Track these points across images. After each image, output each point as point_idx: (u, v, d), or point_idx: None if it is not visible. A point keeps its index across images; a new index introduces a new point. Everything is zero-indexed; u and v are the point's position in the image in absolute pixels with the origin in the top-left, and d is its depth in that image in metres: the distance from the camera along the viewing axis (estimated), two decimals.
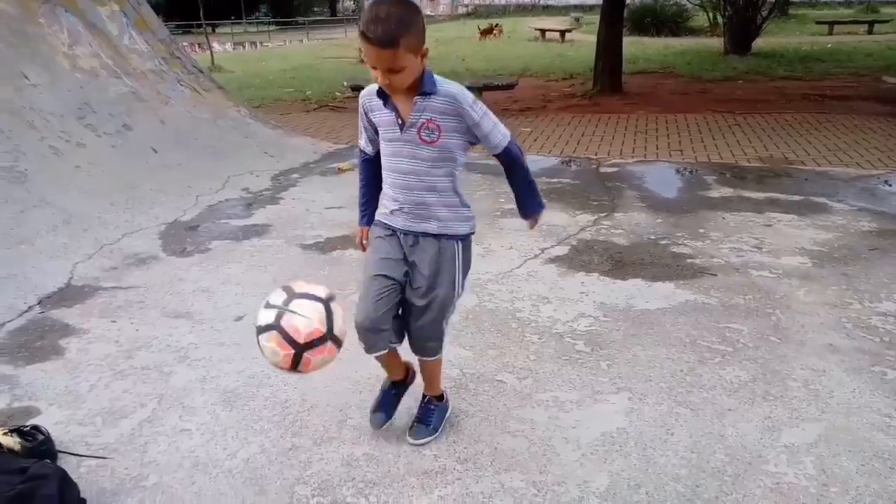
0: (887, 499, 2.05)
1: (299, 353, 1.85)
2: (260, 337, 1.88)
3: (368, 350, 2.17)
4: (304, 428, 2.46)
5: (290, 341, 1.84)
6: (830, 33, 18.98)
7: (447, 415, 2.45)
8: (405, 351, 2.32)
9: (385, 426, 2.39)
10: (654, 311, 3.28)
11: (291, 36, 31.31)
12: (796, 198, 5.03)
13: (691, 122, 8.25)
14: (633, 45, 15.30)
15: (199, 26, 21.92)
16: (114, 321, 3.32)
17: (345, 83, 11.52)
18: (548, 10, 36.40)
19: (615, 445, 2.32)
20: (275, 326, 1.84)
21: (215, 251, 4.24)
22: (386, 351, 2.20)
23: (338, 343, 1.92)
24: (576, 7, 34.24)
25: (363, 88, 2.14)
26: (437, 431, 2.38)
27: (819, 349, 2.90)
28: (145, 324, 3.29)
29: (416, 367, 2.45)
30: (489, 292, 3.53)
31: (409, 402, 2.50)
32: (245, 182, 5.70)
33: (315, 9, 46.34)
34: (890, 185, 5.33)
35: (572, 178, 5.82)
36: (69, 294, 3.62)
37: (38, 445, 2.23)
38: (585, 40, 17.42)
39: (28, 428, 2.29)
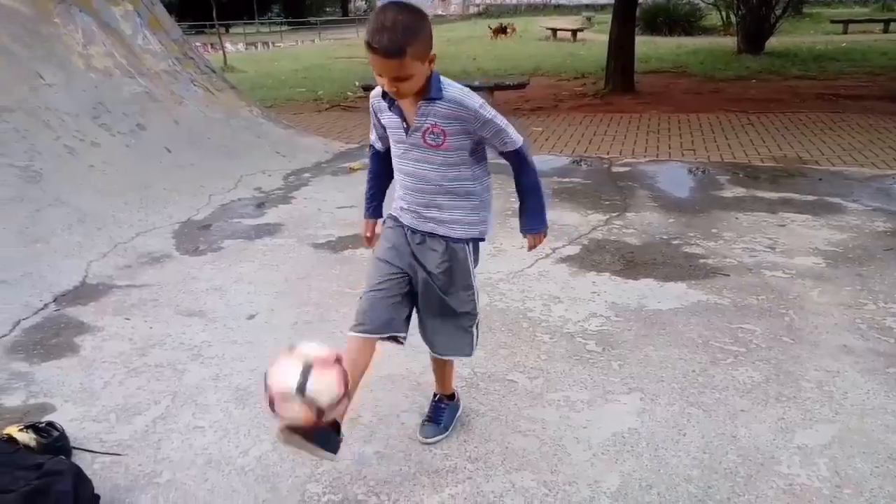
0: None
1: (271, 404, 1.79)
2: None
3: (362, 329, 2.03)
4: None
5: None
6: (845, 32, 18.82)
7: (458, 414, 2.45)
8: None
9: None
10: (666, 312, 3.27)
11: (303, 36, 31.42)
12: (810, 198, 5.00)
13: (704, 121, 8.21)
14: (646, 45, 15.24)
15: (212, 26, 22.04)
16: (128, 319, 3.35)
17: (356, 83, 11.54)
18: (559, 9, 36.34)
19: (626, 446, 2.31)
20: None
21: (228, 250, 4.26)
22: (376, 336, 2.05)
23: (309, 401, 1.74)
24: (588, 6, 34.16)
25: (375, 88, 2.10)
26: (447, 430, 2.38)
27: (833, 350, 2.88)
28: (159, 322, 3.31)
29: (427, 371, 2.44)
30: (500, 292, 3.53)
31: (422, 402, 2.51)
32: (257, 181, 5.73)
33: (327, 9, 46.46)
34: None
35: (584, 177, 5.81)
36: (84, 292, 3.65)
37: (53, 442, 2.25)
38: (597, 39, 17.37)
39: (43, 424, 2.32)
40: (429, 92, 1.92)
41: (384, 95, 1.98)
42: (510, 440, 2.36)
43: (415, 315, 2.21)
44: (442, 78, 1.95)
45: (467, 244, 2.14)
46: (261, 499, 2.12)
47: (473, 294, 2.20)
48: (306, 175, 6.03)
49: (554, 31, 21.42)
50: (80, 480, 2.03)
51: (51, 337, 3.18)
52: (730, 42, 15.62)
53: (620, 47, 10.49)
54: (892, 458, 2.21)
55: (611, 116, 8.75)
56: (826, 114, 8.32)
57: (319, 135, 7.73)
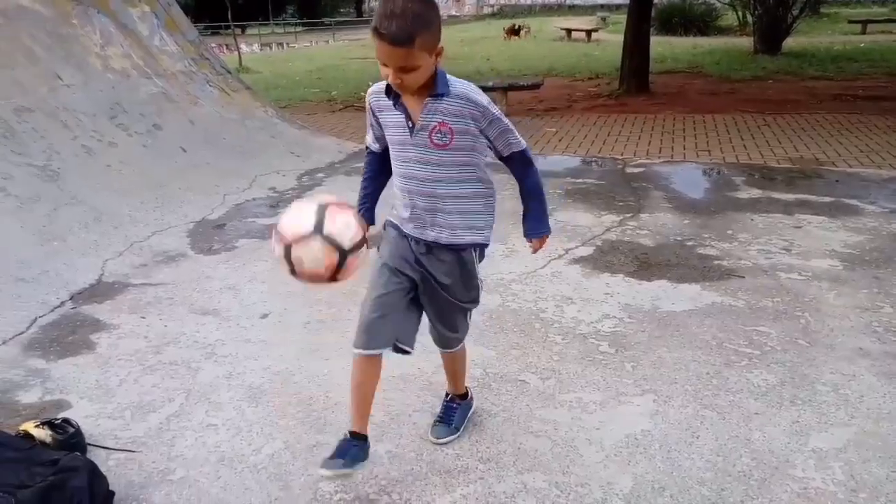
0: None
1: (287, 250, 1.72)
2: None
3: (365, 345, 1.99)
4: (328, 425, 2.48)
5: (281, 238, 1.74)
6: (864, 32, 18.61)
7: (470, 413, 2.45)
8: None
9: (342, 472, 2.01)
10: (679, 313, 3.25)
11: (318, 37, 31.53)
12: (827, 199, 4.95)
13: (719, 122, 8.15)
14: (661, 45, 15.16)
15: (227, 27, 22.17)
16: (143, 317, 3.38)
17: (370, 83, 11.54)
18: (574, 9, 36.22)
19: (639, 447, 2.30)
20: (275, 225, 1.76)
21: (242, 249, 4.29)
22: (380, 351, 2.02)
23: (331, 241, 1.71)
24: (602, 6, 34.02)
25: (374, 86, 2.03)
26: (458, 430, 2.38)
27: (849, 353, 2.85)
28: (173, 320, 3.34)
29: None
30: (513, 292, 3.52)
31: (434, 402, 2.51)
32: (271, 181, 5.76)
33: (341, 10, 46.62)
34: None
35: (598, 178, 5.79)
36: (100, 290, 3.69)
37: (69, 438, 2.28)
38: (612, 40, 17.31)
39: (59, 421, 2.34)
40: (435, 88, 1.84)
41: (388, 93, 1.90)
42: (522, 441, 2.36)
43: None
44: (447, 74, 1.89)
45: (474, 250, 2.08)
46: (273, 497, 2.13)
47: (479, 288, 2.16)
48: (320, 175, 6.06)
49: (568, 31, 21.34)
50: (95, 477, 2.05)
51: (67, 334, 3.21)
52: (746, 42, 15.50)
53: (635, 47, 10.44)
54: None
55: (625, 117, 8.71)
56: (843, 115, 8.24)
57: (333, 135, 7.76)
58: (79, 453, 2.19)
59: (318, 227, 1.69)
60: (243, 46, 20.97)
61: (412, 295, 2.08)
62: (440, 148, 1.89)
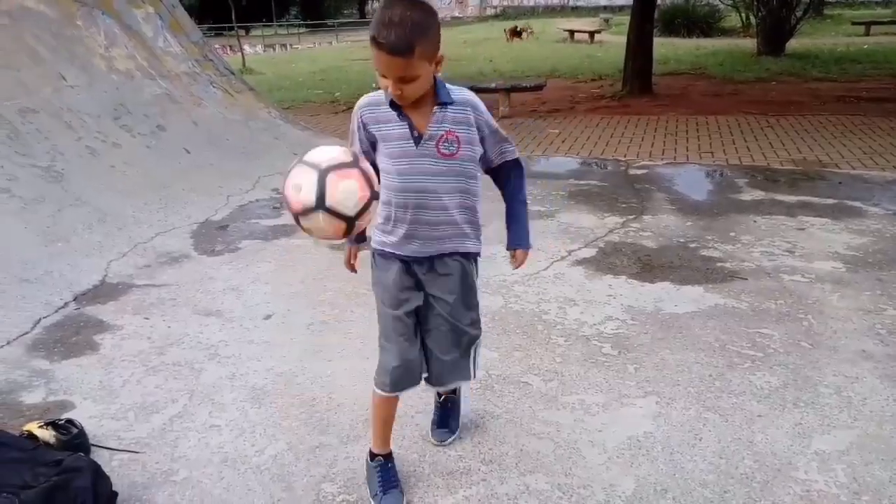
0: None
1: (296, 219, 1.68)
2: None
3: (397, 387, 2.01)
4: (331, 426, 2.48)
5: (289, 206, 1.68)
6: (867, 34, 18.57)
7: (462, 410, 2.45)
8: None
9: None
10: (682, 315, 3.25)
11: (321, 38, 31.59)
12: (830, 201, 4.94)
13: (722, 123, 8.15)
14: (664, 46, 15.14)
15: (231, 28, 22.22)
16: (146, 318, 3.39)
17: (374, 85, 11.56)
18: (577, 10, 36.17)
19: (642, 450, 2.30)
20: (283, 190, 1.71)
21: (245, 250, 4.30)
22: (414, 387, 2.06)
23: (334, 213, 1.64)
24: (605, 8, 33.98)
25: (364, 98, 1.92)
26: (458, 429, 2.40)
27: (852, 355, 2.85)
28: (177, 321, 3.35)
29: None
30: (515, 294, 3.52)
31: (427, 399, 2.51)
32: (275, 183, 5.77)
33: (345, 11, 46.68)
34: None
35: (600, 179, 5.79)
36: (103, 291, 3.70)
37: (73, 439, 2.28)
38: (615, 41, 17.30)
39: (63, 421, 2.35)
40: (440, 96, 1.80)
41: (391, 104, 1.82)
42: (524, 442, 2.36)
43: None
44: (444, 82, 1.84)
45: (475, 259, 2.04)
46: (276, 498, 2.14)
47: (478, 308, 2.10)
48: None
49: (571, 32, 21.33)
50: (99, 477, 2.05)
51: (71, 335, 3.22)
52: (749, 44, 15.48)
53: (638, 49, 10.43)
54: None
55: (628, 118, 8.70)
56: (847, 116, 8.23)
57: (336, 136, 7.76)
58: (82, 454, 2.20)
59: (321, 201, 1.63)
60: (247, 48, 21.01)
61: (417, 324, 2.03)
62: (447, 157, 1.84)
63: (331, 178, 1.64)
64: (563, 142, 7.56)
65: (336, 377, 2.79)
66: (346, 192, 1.65)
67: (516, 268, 2.14)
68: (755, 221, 4.56)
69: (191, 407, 2.63)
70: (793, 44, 14.64)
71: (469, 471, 2.23)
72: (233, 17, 19.76)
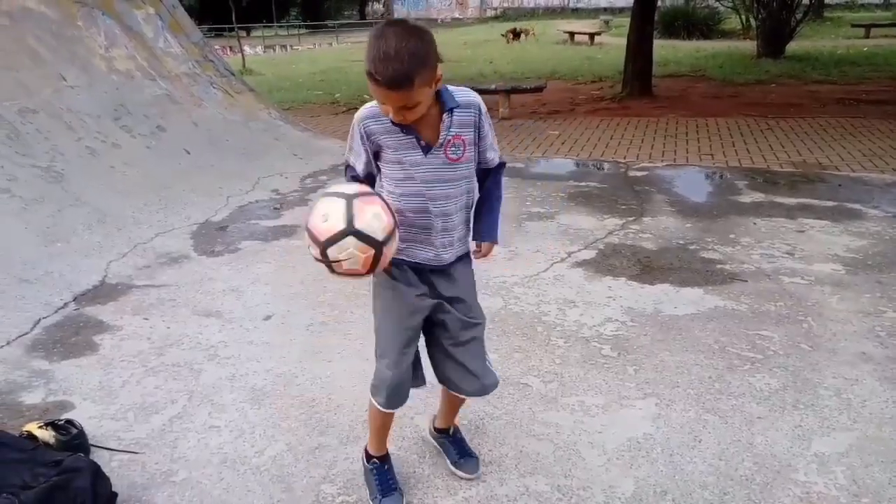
0: None
1: (323, 251, 1.67)
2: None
3: (392, 405, 2.00)
4: (331, 427, 2.48)
5: (315, 239, 1.68)
6: (867, 36, 18.58)
7: None
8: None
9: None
10: (682, 317, 3.25)
11: (321, 39, 31.57)
12: (830, 204, 4.95)
13: (722, 126, 8.15)
14: (664, 48, 15.17)
15: (231, 29, 22.22)
16: (146, 318, 3.39)
17: None
18: (577, 12, 36.17)
19: (641, 451, 2.30)
20: (306, 226, 1.71)
21: (245, 251, 4.30)
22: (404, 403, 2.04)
23: (365, 237, 1.65)
24: (605, 10, 34.00)
25: (364, 110, 1.85)
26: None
27: (851, 357, 2.85)
28: (176, 322, 3.35)
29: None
30: (515, 295, 3.53)
31: (435, 403, 2.51)
32: (274, 183, 5.77)
33: (345, 12, 46.71)
34: None
35: (600, 181, 5.79)
36: (103, 291, 3.70)
37: (72, 439, 2.28)
38: (615, 43, 17.31)
39: (62, 422, 2.35)
40: (446, 103, 1.77)
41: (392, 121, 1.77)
42: (524, 444, 2.36)
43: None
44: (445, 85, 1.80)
45: (471, 259, 2.04)
46: (275, 499, 2.14)
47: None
48: (323, 177, 6.07)
49: (571, 34, 21.35)
50: (98, 478, 2.05)
51: (70, 336, 3.22)
52: (749, 46, 15.49)
53: (638, 51, 10.44)
54: None
55: (628, 120, 8.71)
56: (847, 119, 8.23)
57: (336, 137, 7.76)
58: (82, 454, 2.20)
59: (350, 224, 1.63)
60: (247, 48, 21.02)
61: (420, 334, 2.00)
62: (454, 162, 1.82)
63: (358, 203, 1.66)
64: (562, 143, 7.56)
65: (336, 378, 2.79)
66: (375, 216, 1.68)
67: (480, 258, 2.09)
68: (755, 223, 4.57)
69: (190, 408, 2.63)
70: (793, 46, 14.65)
71: None
72: (233, 18, 19.76)
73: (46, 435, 2.25)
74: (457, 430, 2.33)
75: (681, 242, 4.24)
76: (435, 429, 2.35)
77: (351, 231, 1.63)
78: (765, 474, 2.17)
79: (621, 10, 29.67)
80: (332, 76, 14.84)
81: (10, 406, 2.65)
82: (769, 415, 2.48)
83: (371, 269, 1.72)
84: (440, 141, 1.79)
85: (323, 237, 1.66)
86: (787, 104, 9.36)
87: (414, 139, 1.78)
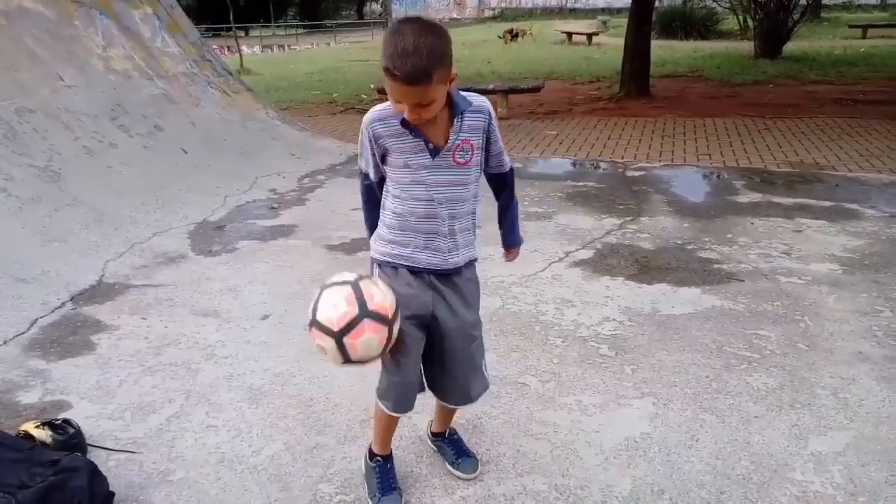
0: None
1: (339, 340, 1.69)
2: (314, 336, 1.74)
3: (399, 409, 2.00)
4: (328, 426, 2.48)
5: (327, 331, 1.70)
6: (864, 37, 18.62)
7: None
8: None
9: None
10: (679, 317, 3.26)
11: (319, 39, 31.56)
12: (827, 203, 4.96)
13: (720, 126, 8.16)
14: (662, 49, 15.18)
15: (229, 29, 22.20)
16: (143, 318, 3.38)
17: (371, 86, 11.62)
18: (575, 13, 36.19)
19: (639, 450, 2.31)
20: (312, 322, 1.72)
21: (242, 251, 4.29)
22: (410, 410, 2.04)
23: (378, 318, 1.70)
24: (603, 10, 34.02)
25: (372, 113, 1.85)
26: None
27: (848, 357, 2.85)
28: (174, 321, 3.34)
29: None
30: (513, 295, 3.53)
31: (433, 402, 2.51)
32: (272, 183, 5.77)
33: (343, 12, 46.71)
34: None
35: (598, 181, 5.80)
36: (100, 291, 3.70)
37: (69, 439, 2.28)
38: (613, 43, 17.32)
39: (59, 421, 2.35)
40: (457, 106, 1.76)
41: (403, 121, 1.76)
42: (522, 443, 2.36)
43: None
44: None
45: (475, 265, 2.02)
46: (273, 498, 2.13)
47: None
48: (321, 177, 6.07)
49: (569, 34, 21.35)
50: (96, 477, 2.05)
51: (67, 335, 3.21)
52: (747, 46, 15.51)
53: (636, 51, 10.45)
54: None
55: (625, 120, 8.72)
56: (844, 119, 8.25)
57: (334, 137, 7.77)
58: (79, 454, 2.19)
59: (363, 308, 1.67)
60: (244, 48, 21.01)
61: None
62: (462, 166, 1.82)
63: (364, 285, 1.72)
64: (560, 143, 7.57)
65: (333, 378, 2.79)
66: (381, 295, 1.73)
67: (511, 261, 2.20)
68: (752, 223, 4.57)
69: (187, 407, 2.62)
70: (790, 47, 14.68)
71: None
72: (231, 18, 19.74)
73: (43, 434, 2.25)
74: (453, 431, 2.34)
75: (678, 242, 4.25)
76: (432, 433, 2.35)
77: (364, 314, 1.68)
78: (762, 473, 2.18)
79: (619, 11, 29.68)
80: (329, 76, 14.83)
81: (6, 405, 2.65)
82: (766, 414, 2.48)
83: (384, 352, 1.77)
84: (449, 145, 1.78)
85: (336, 326, 1.69)
86: (785, 104, 9.38)
87: (422, 142, 1.77)
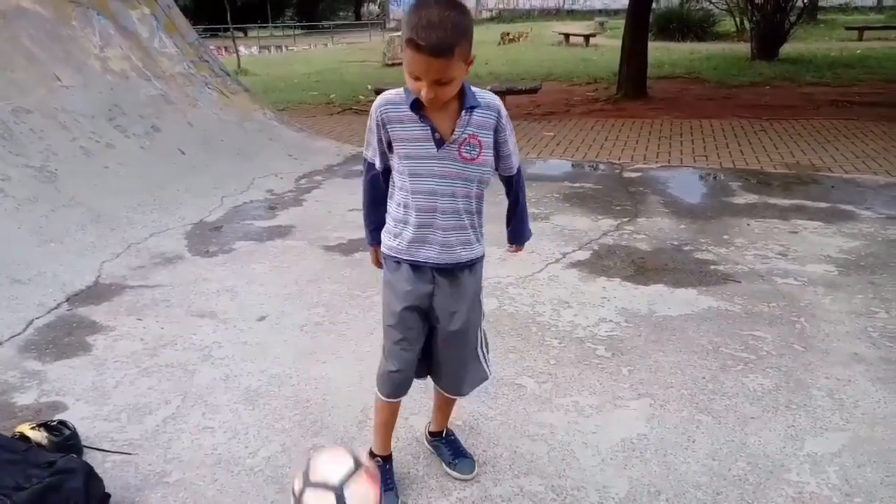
0: None
1: None
2: None
3: (394, 395, 2.02)
4: (325, 428, 2.48)
5: None
6: (860, 39, 18.67)
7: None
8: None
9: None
10: (676, 318, 3.26)
11: (316, 40, 31.54)
12: (823, 205, 4.97)
13: (717, 127, 8.18)
14: (659, 50, 15.21)
15: (226, 30, 22.19)
16: (140, 319, 3.38)
17: (369, 86, 11.61)
18: (572, 14, 36.24)
19: (635, 451, 2.31)
20: None
21: (239, 252, 4.29)
22: (409, 389, 2.06)
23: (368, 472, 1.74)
24: (600, 12, 34.05)
25: (383, 97, 1.84)
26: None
27: (844, 358, 2.86)
28: (170, 322, 3.34)
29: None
30: (510, 296, 3.53)
31: (429, 403, 2.51)
32: (269, 184, 5.76)
33: (340, 13, 46.69)
34: None
35: (595, 182, 5.80)
36: (97, 292, 3.69)
37: (65, 440, 2.27)
38: (610, 45, 17.34)
39: (55, 423, 2.33)
40: (467, 100, 1.75)
41: (413, 106, 1.75)
42: (518, 444, 2.36)
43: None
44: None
45: (480, 262, 2.00)
46: (269, 500, 2.13)
47: (482, 308, 2.10)
48: (318, 178, 6.06)
49: (566, 36, 21.38)
50: (92, 479, 2.04)
51: (63, 336, 3.21)
52: (743, 48, 15.55)
53: (633, 53, 10.47)
54: None
55: (622, 122, 8.73)
56: (840, 121, 8.27)
57: (331, 138, 7.76)
58: (75, 455, 2.19)
59: (357, 463, 1.72)
60: (242, 49, 20.99)
61: (425, 332, 2.01)
62: (468, 161, 1.80)
63: (350, 492, 1.69)
64: (557, 144, 7.57)
65: (330, 379, 2.79)
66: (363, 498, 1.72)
67: (516, 253, 2.25)
68: (748, 224, 4.58)
69: (184, 408, 2.62)
70: (786, 48, 14.72)
71: None
72: (228, 19, 19.73)
73: (39, 436, 2.24)
74: (450, 432, 2.34)
75: (675, 243, 4.25)
76: (429, 433, 2.35)
77: (357, 466, 1.71)
78: (758, 474, 2.18)
79: (616, 12, 29.73)
80: (327, 77, 14.83)
81: (2, 407, 2.64)
82: (762, 415, 2.49)
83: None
84: (454, 137, 1.77)
85: (332, 482, 1.68)
86: (781, 106, 9.40)
87: (429, 130, 1.76)
